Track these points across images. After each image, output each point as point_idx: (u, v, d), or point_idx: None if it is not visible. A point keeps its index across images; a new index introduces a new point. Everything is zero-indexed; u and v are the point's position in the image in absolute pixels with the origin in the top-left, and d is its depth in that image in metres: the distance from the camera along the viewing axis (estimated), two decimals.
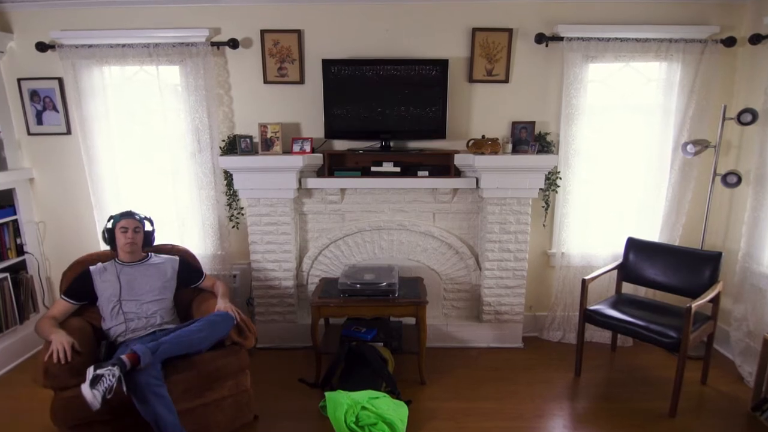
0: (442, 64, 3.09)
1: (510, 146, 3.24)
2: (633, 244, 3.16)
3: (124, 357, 2.11)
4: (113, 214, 2.70)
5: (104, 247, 3.07)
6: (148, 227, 2.75)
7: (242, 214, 3.43)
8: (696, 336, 2.65)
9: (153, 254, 2.76)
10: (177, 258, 2.79)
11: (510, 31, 3.14)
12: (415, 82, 3.11)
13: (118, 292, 2.54)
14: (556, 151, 3.30)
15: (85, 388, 2.00)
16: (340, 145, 3.34)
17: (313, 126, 3.30)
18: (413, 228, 3.39)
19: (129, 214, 2.64)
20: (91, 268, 2.59)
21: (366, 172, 3.23)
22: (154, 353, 2.18)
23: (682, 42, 3.07)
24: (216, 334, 2.40)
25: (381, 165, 3.20)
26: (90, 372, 2.04)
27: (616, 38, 3.08)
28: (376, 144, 3.25)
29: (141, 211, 2.83)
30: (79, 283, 2.57)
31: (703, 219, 3.29)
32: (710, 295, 2.72)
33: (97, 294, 2.55)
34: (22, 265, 3.39)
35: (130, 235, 2.59)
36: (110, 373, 2.03)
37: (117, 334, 2.51)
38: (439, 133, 3.17)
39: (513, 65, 3.22)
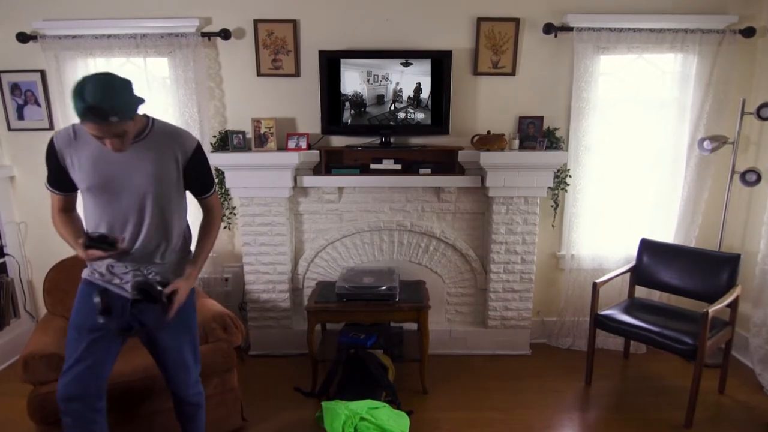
0: (445, 56, 3.01)
1: (517, 142, 3.19)
2: (647, 246, 3.11)
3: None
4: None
5: None
6: None
7: (234, 214, 3.37)
8: (713, 343, 2.60)
9: None
10: None
11: (517, 21, 3.08)
12: (417, 74, 3.02)
13: None
14: (566, 148, 3.24)
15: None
16: (337, 141, 3.28)
17: (310, 121, 3.23)
18: (415, 229, 3.33)
19: None
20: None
21: (365, 170, 3.17)
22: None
23: (698, 32, 3.01)
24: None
25: (381, 162, 3.15)
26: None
27: (629, 28, 3.01)
28: (375, 140, 3.19)
29: None
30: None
31: (720, 219, 3.22)
32: (728, 299, 2.68)
33: None
34: (2, 268, 3.31)
35: None
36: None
37: None
38: (443, 128, 3.10)
39: (520, 57, 3.16)
